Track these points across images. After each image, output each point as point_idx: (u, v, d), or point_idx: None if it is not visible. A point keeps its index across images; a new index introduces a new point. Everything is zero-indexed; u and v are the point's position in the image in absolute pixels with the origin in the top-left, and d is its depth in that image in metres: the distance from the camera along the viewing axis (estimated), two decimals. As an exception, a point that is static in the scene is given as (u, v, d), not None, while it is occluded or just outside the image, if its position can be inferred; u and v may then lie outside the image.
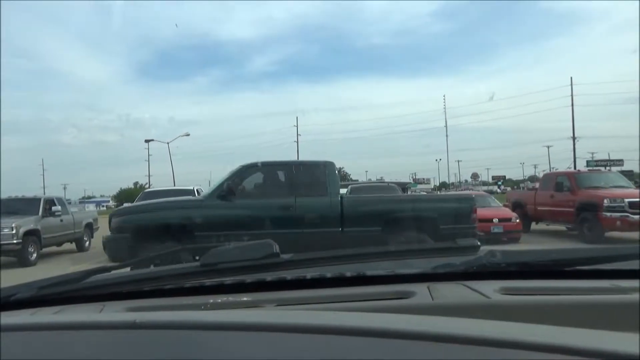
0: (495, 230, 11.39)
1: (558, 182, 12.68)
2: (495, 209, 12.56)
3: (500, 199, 14.88)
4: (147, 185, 44.60)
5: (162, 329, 0.65)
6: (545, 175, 15.49)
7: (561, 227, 13.19)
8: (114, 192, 77.96)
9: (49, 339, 0.66)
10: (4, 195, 14.13)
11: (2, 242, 10.15)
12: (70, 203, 16.58)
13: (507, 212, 12.42)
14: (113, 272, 1.22)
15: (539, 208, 13.33)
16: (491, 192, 22.44)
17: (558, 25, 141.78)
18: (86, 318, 0.76)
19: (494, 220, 11.58)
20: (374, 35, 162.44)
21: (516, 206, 14.16)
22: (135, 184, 71.47)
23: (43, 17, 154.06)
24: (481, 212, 11.92)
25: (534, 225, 13.98)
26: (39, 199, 12.09)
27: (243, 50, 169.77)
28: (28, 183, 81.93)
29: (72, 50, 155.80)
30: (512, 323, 0.66)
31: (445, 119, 69.31)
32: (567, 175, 13.10)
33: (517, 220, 11.92)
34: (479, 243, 1.20)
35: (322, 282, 1.14)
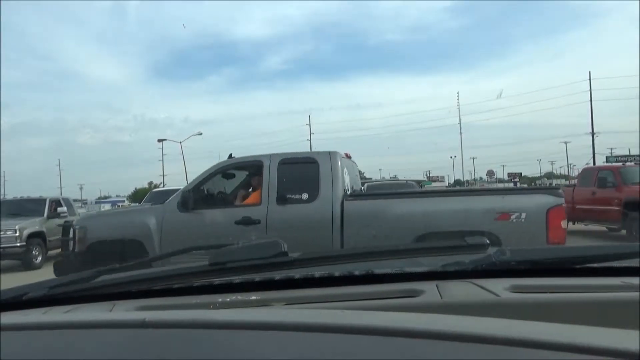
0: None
1: (600, 177, 11.47)
2: None
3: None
4: (162, 185, 44.53)
5: (171, 328, 0.65)
6: (585, 170, 13.95)
7: (601, 228, 12.02)
8: (130, 191, 78.44)
9: (60, 337, 0.66)
10: (22, 196, 13.79)
11: (4, 245, 9.69)
12: (86, 203, 16.23)
13: None
14: (123, 271, 1.21)
15: (577, 206, 11.86)
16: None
17: (575, 19, 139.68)
18: (97, 317, 0.77)
19: None
20: (387, 32, 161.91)
21: None
22: (150, 183, 71.64)
23: (60, 19, 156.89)
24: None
25: (571, 226, 12.86)
26: (45, 200, 11.67)
27: (257, 49, 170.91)
28: (46, 184, 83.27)
29: (89, 52, 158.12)
30: (522, 321, 0.65)
31: (459, 115, 68.37)
32: (612, 169, 11.87)
33: None
34: (487, 241, 1.17)
35: (331, 281, 1.13)
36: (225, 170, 5.85)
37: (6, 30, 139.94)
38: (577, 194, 12.13)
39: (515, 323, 0.64)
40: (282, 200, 5.25)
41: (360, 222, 5.06)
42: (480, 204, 5.02)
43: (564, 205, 4.94)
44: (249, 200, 5.57)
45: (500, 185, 58.17)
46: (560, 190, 5.17)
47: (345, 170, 5.59)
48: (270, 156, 5.57)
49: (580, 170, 16.64)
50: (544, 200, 4.85)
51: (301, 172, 5.43)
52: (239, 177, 6.23)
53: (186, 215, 5.34)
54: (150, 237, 5.34)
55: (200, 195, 5.52)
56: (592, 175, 12.05)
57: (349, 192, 5.55)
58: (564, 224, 4.89)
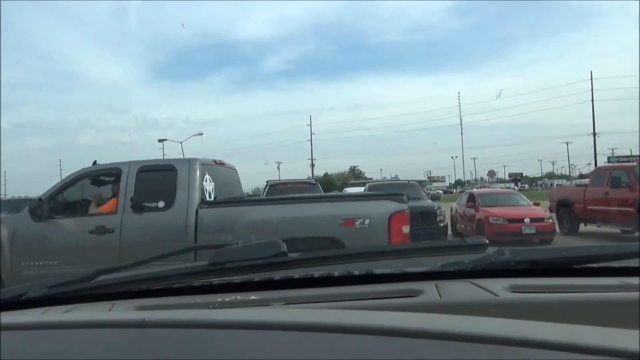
0: (527, 231, 10.46)
1: (614, 177, 10.94)
2: (526, 208, 11.49)
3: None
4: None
5: (171, 328, 0.65)
6: (597, 170, 13.32)
7: (614, 230, 11.49)
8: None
9: (60, 337, 0.66)
10: (20, 196, 13.76)
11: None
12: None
13: (540, 212, 11.24)
14: (122, 271, 1.21)
15: (589, 207, 11.54)
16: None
17: (575, 19, 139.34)
18: (96, 317, 0.76)
19: (525, 220, 10.58)
20: (389, 32, 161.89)
21: (561, 205, 12.61)
22: (150, 183, 71.32)
23: (63, 20, 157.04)
24: (511, 211, 11.11)
25: (583, 227, 12.25)
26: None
27: (258, 50, 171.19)
28: (47, 184, 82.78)
29: (90, 52, 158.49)
30: (521, 321, 0.65)
31: (460, 115, 68.25)
32: (626, 169, 11.21)
33: (550, 221, 10.91)
34: (487, 241, 1.17)
35: (330, 281, 1.13)
36: (84, 177, 5.69)
37: (7, 30, 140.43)
38: (588, 195, 11.72)
39: (515, 323, 0.64)
40: (137, 208, 5.15)
41: (214, 230, 4.99)
42: (328, 211, 5.09)
43: (406, 210, 5.04)
44: (105, 209, 5.44)
45: (501, 185, 58.03)
46: (404, 197, 5.21)
47: (207, 177, 5.50)
48: (129, 163, 5.48)
49: (580, 171, 16.47)
50: (387, 206, 4.96)
51: (159, 179, 5.35)
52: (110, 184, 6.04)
53: (39, 225, 5.19)
54: (1, 248, 5.15)
55: (56, 204, 5.39)
56: (605, 175, 11.50)
57: (211, 200, 5.47)
58: (405, 229, 4.98)
